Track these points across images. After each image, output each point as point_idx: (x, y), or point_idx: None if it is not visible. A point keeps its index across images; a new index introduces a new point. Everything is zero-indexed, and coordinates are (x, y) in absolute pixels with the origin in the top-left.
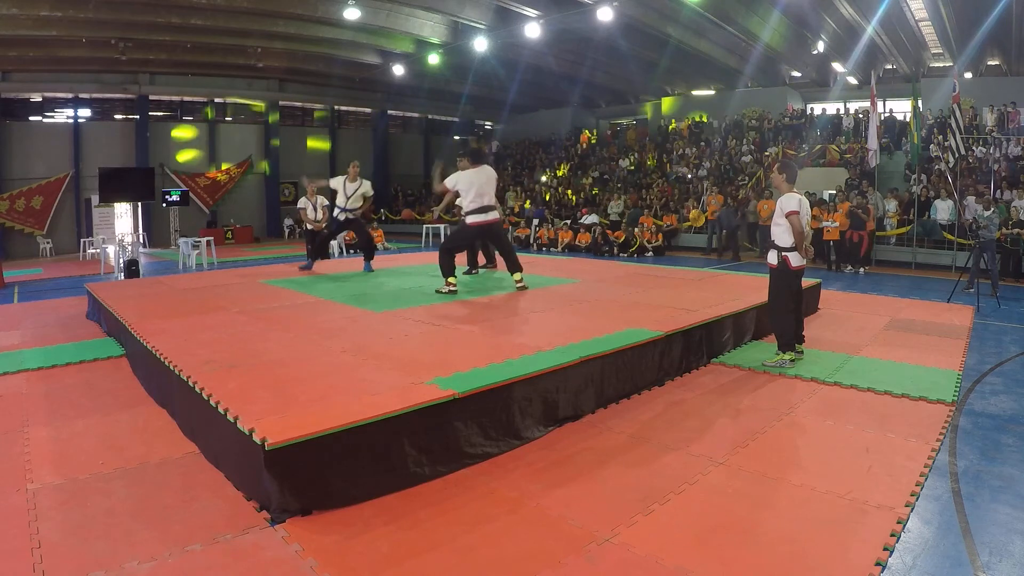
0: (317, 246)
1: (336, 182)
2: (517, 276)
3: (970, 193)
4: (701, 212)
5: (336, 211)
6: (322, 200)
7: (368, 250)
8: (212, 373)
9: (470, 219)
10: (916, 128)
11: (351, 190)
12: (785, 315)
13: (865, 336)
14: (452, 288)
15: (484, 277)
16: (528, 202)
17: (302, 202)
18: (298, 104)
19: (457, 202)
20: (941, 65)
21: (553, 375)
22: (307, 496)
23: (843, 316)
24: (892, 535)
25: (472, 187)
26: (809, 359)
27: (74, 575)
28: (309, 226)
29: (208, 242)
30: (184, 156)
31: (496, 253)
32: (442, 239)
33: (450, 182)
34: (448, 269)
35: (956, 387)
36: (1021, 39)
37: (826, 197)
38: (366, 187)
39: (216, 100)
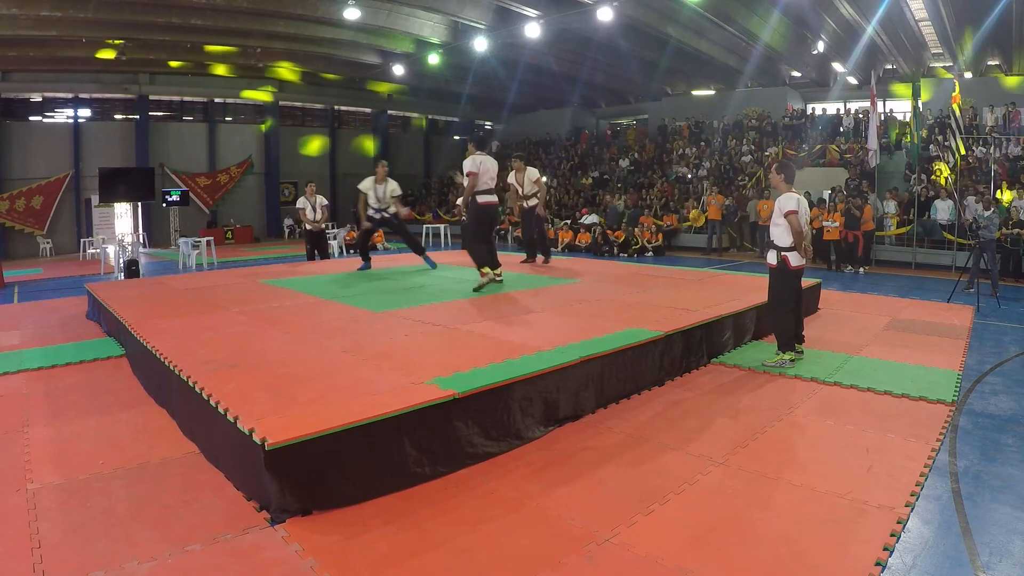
0: (360, 245)
1: (366, 184)
2: (496, 271)
3: (970, 193)
4: (701, 212)
5: (371, 211)
6: (321, 200)
7: (415, 247)
8: (212, 373)
9: (480, 199)
10: (916, 128)
11: (381, 191)
12: (785, 315)
13: (865, 336)
14: (494, 278)
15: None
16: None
17: (301, 202)
18: (298, 104)
19: (458, 201)
20: (941, 65)
21: (553, 375)
22: (307, 496)
23: (843, 316)
24: (892, 535)
25: (487, 171)
26: (809, 359)
27: (74, 575)
28: (308, 226)
29: (208, 242)
30: (184, 156)
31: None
32: (443, 240)
33: (469, 164)
34: (482, 258)
35: (956, 387)
36: (1021, 39)
37: (825, 197)
38: (393, 186)
39: (216, 100)
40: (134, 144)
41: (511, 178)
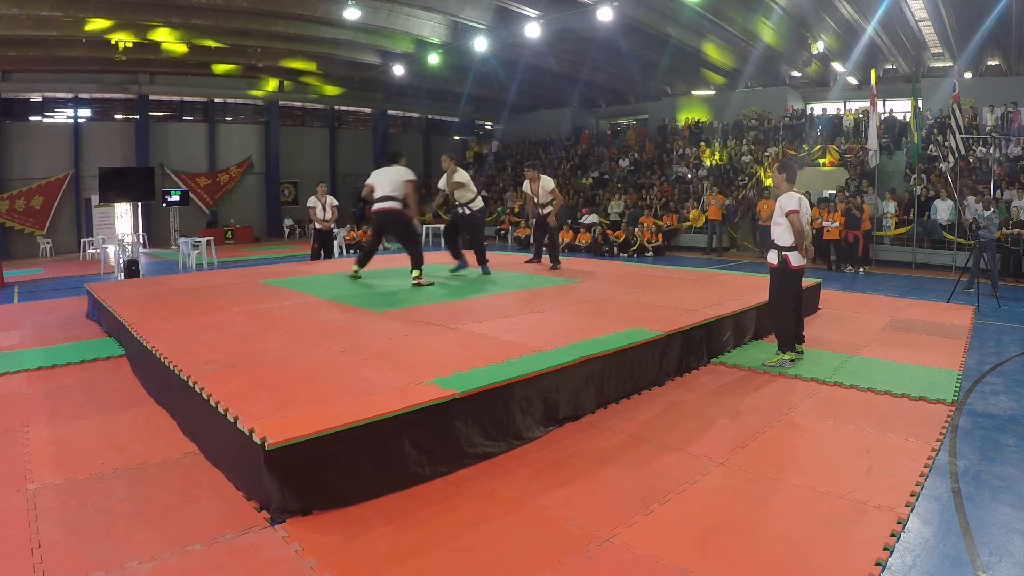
0: (448, 242)
1: (443, 182)
2: (415, 273)
3: (970, 193)
4: (701, 212)
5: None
6: (331, 200)
7: (476, 251)
8: (212, 373)
9: (373, 208)
10: (916, 128)
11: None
12: (785, 315)
13: (865, 336)
14: (353, 275)
15: (483, 277)
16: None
17: (312, 201)
18: (298, 104)
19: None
20: (941, 65)
21: (553, 375)
22: (307, 496)
23: (843, 316)
24: (892, 535)
25: (377, 182)
26: (809, 359)
27: (74, 575)
28: (318, 225)
29: (208, 242)
30: (184, 156)
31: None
32: (442, 240)
33: (370, 180)
34: (362, 261)
35: (956, 387)
36: (1021, 39)
37: (826, 196)
38: (459, 175)
39: (216, 100)
40: (134, 144)
41: (526, 187)
